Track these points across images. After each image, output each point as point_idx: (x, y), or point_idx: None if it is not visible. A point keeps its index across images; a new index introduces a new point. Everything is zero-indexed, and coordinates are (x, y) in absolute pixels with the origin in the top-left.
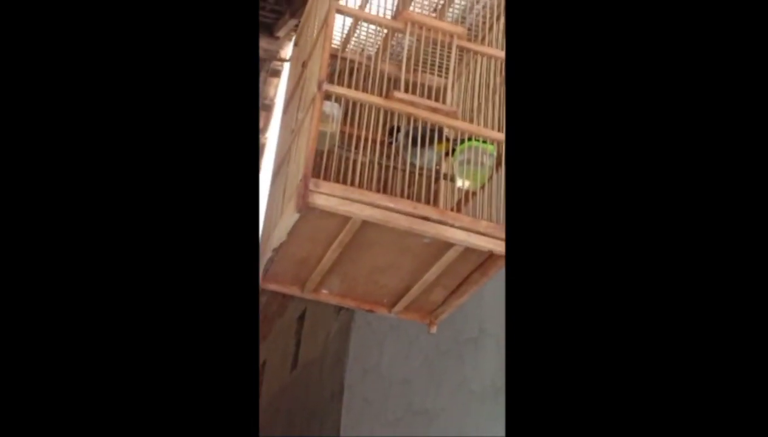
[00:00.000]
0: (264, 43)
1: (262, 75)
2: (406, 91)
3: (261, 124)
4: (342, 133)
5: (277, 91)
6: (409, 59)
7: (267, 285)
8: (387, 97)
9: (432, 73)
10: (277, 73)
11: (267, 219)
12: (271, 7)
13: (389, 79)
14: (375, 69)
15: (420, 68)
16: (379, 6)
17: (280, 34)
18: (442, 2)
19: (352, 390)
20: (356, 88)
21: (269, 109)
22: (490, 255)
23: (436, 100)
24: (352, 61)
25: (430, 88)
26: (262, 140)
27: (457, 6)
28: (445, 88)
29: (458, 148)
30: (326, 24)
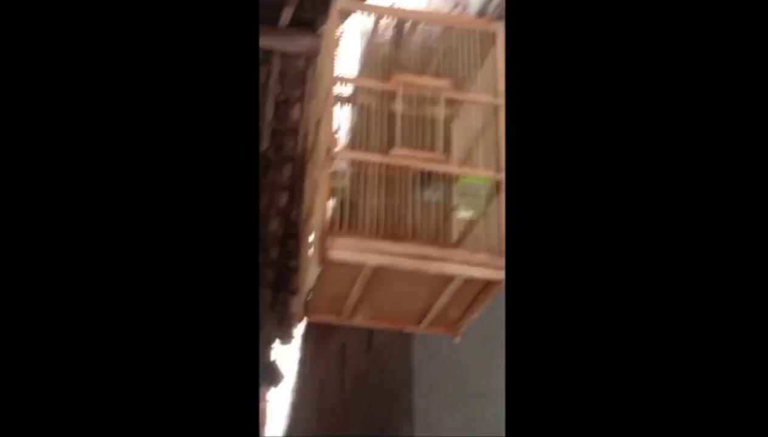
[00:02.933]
0: (307, 41)
1: (310, 71)
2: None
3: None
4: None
5: None
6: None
7: (310, 316)
8: (386, 153)
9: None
10: None
11: (304, 256)
12: (311, 6)
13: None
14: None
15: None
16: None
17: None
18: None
19: (421, 374)
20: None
21: None
22: (489, 282)
23: (432, 148)
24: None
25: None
26: None
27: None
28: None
29: (456, 184)
30: (328, 97)
